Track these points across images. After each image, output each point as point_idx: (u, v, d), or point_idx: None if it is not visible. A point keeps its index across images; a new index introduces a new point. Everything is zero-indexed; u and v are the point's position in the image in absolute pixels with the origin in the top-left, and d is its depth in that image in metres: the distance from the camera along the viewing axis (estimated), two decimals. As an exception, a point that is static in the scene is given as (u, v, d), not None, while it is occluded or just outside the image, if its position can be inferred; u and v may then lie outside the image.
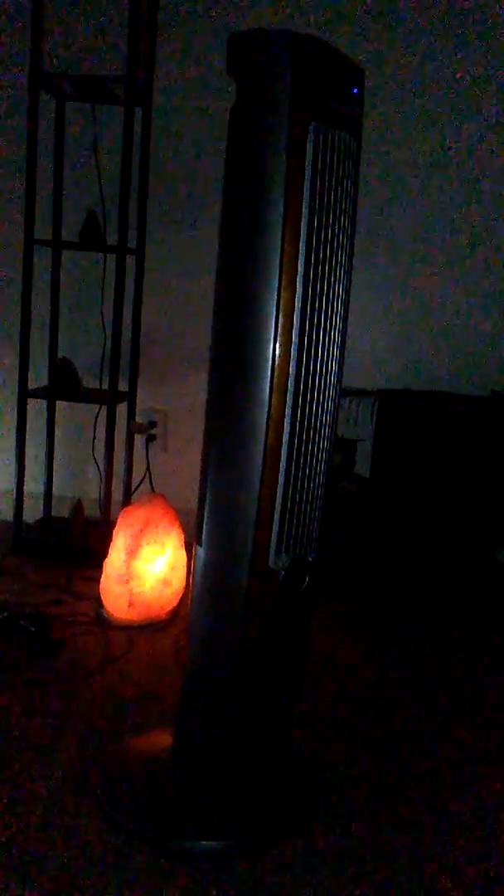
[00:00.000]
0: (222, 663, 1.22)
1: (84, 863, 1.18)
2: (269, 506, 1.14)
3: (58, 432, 2.61)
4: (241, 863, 1.21)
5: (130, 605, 1.96)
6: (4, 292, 2.56)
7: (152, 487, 2.55)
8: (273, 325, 1.09)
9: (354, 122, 1.16)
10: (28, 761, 1.40)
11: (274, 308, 1.09)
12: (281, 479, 1.14)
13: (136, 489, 2.58)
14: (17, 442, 2.37)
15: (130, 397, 2.55)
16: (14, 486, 2.40)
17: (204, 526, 1.19)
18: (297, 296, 1.10)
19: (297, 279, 1.09)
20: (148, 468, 2.58)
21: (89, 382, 2.53)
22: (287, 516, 1.16)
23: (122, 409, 2.48)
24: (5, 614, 1.86)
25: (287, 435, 1.13)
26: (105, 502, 2.34)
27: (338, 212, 1.13)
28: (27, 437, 2.39)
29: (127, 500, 2.52)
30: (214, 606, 1.22)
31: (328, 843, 1.27)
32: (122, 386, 2.47)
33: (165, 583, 1.99)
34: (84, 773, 1.38)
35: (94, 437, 2.49)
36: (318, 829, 1.29)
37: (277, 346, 1.10)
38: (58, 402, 2.57)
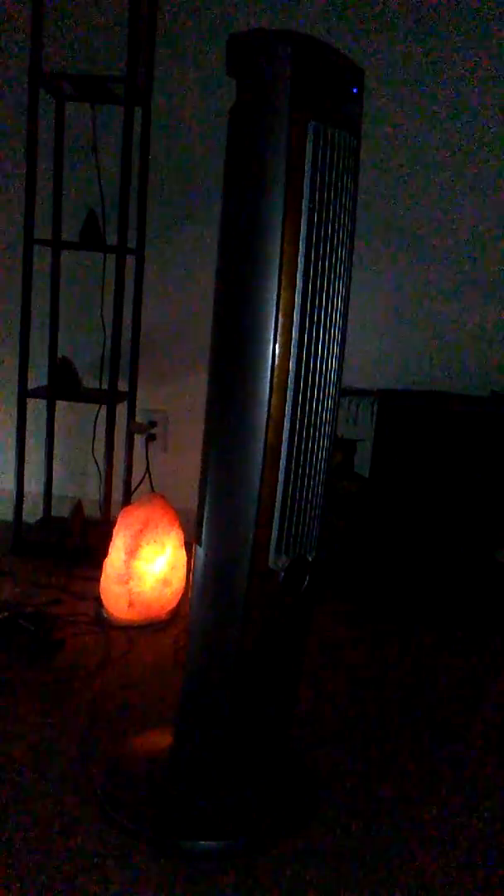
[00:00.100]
0: (222, 663, 1.22)
1: (84, 863, 1.18)
2: (269, 505, 1.14)
3: (58, 432, 2.61)
4: (240, 863, 1.21)
5: (130, 605, 1.96)
6: (4, 292, 2.56)
7: (152, 487, 2.55)
8: (273, 325, 1.09)
9: (354, 121, 1.16)
10: (28, 761, 1.40)
11: (274, 307, 1.09)
12: (281, 478, 1.14)
13: (136, 489, 2.58)
14: (16, 442, 2.37)
15: (130, 397, 2.55)
16: (14, 486, 2.40)
17: (204, 526, 1.19)
18: (296, 294, 1.10)
19: (297, 278, 1.09)
20: (148, 468, 2.58)
21: (89, 382, 2.53)
22: (287, 516, 1.16)
23: (122, 409, 2.48)
24: (5, 614, 1.86)
25: (287, 434, 1.13)
26: (105, 502, 2.34)
27: (338, 210, 1.13)
28: (27, 437, 2.39)
29: (127, 500, 2.52)
30: (214, 606, 1.22)
31: (328, 843, 1.27)
32: (122, 386, 2.47)
33: (165, 583, 1.99)
34: (84, 773, 1.38)
35: (94, 437, 2.49)
36: (318, 829, 1.29)
37: (277, 345, 1.10)
38: (57, 402, 2.57)
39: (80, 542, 2.38)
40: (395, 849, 1.26)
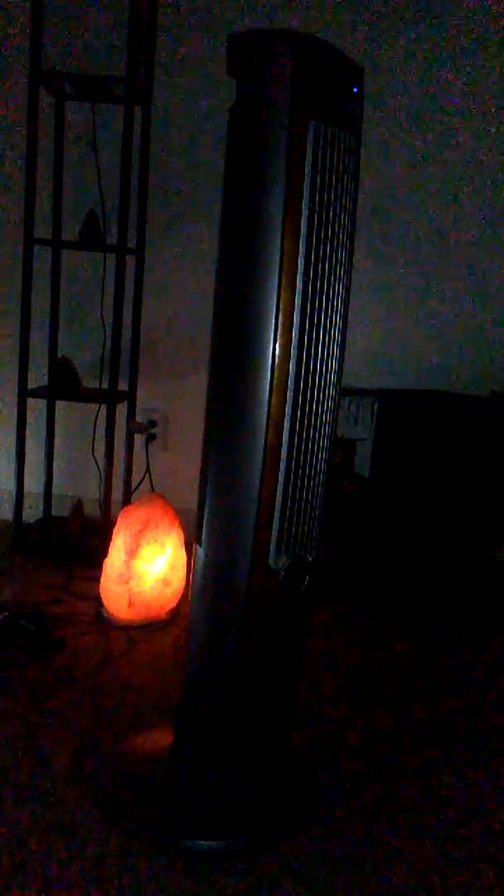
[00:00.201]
0: (222, 663, 1.22)
1: (84, 863, 1.18)
2: (269, 505, 1.14)
3: (58, 432, 2.61)
4: (241, 863, 1.21)
5: (130, 604, 1.96)
6: (4, 292, 2.56)
7: (152, 487, 2.55)
8: (273, 325, 1.09)
9: (354, 120, 1.16)
10: (28, 761, 1.40)
11: (274, 307, 1.09)
12: (281, 478, 1.14)
13: (136, 489, 2.58)
14: (17, 442, 2.37)
15: (130, 397, 2.55)
16: (14, 486, 2.40)
17: (204, 526, 1.19)
18: (296, 295, 1.10)
19: (297, 278, 1.09)
20: (148, 468, 2.59)
21: (89, 382, 2.53)
22: (287, 516, 1.16)
23: (121, 408, 2.48)
24: (5, 614, 1.86)
25: (287, 434, 1.13)
26: (105, 502, 2.34)
27: (338, 210, 1.13)
28: (27, 436, 2.39)
29: (127, 500, 2.52)
30: (214, 606, 1.22)
31: (328, 843, 1.27)
32: (122, 385, 2.47)
33: (165, 582, 1.99)
34: (84, 772, 1.38)
35: (94, 437, 2.49)
36: (317, 829, 1.29)
37: (277, 346, 1.10)
38: (57, 402, 2.57)
39: (80, 541, 2.38)
40: (394, 849, 1.26)
